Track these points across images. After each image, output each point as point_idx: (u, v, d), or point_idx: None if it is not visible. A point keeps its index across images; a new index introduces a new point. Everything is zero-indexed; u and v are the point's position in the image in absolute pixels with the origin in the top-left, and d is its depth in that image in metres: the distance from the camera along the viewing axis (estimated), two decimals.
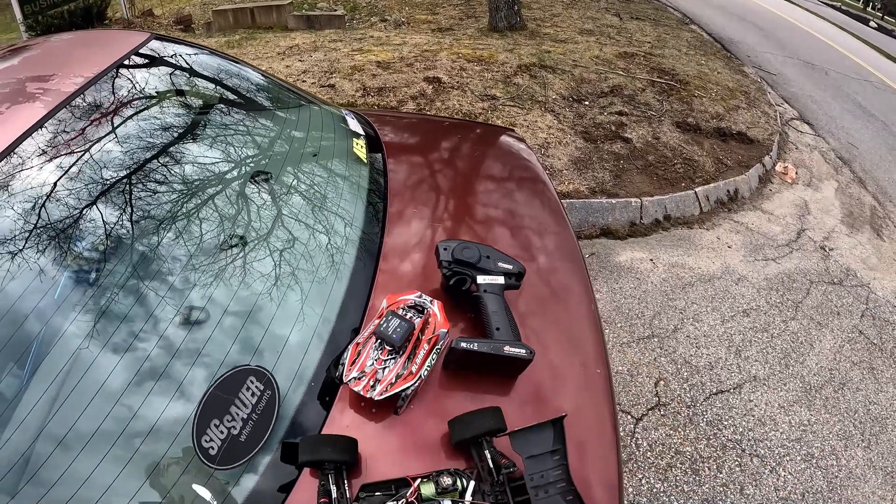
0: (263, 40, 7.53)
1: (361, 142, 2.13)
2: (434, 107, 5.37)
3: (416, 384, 1.27)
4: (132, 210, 1.45)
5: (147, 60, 1.95)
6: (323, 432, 1.23)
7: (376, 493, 1.09)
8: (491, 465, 1.12)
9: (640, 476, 2.67)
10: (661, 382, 3.14)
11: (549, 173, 4.53)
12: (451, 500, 1.06)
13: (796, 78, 7.96)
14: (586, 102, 5.81)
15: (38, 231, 1.32)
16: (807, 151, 6.00)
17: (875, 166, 6.09)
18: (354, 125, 2.26)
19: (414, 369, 1.27)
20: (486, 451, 1.14)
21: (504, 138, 2.66)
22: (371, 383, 1.25)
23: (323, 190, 1.85)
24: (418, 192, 2.03)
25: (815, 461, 2.85)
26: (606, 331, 3.42)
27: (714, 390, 3.14)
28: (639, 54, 7.34)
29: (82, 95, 1.62)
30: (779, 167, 5.50)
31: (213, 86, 2.13)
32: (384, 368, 1.28)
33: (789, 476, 2.76)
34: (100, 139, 1.56)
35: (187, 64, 2.10)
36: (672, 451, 2.79)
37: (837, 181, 5.57)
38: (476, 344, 1.31)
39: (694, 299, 3.78)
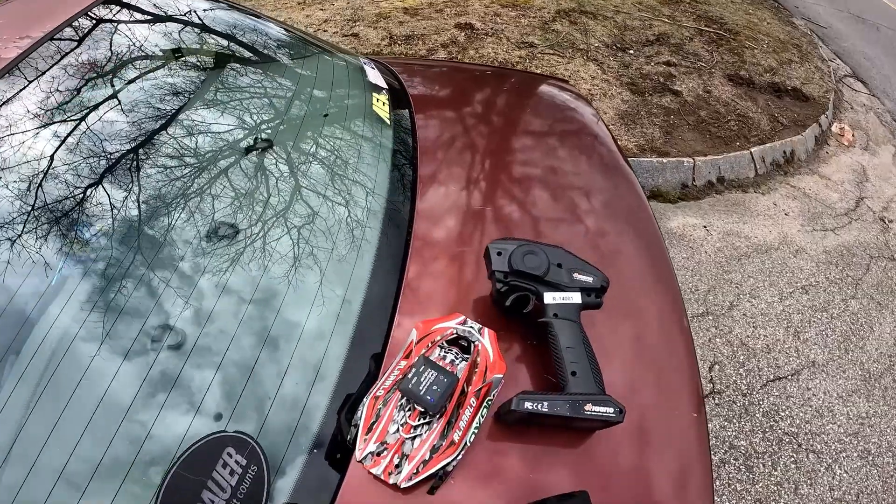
0: None
1: (384, 97, 1.71)
2: (467, 55, 5.01)
3: (459, 456, 0.93)
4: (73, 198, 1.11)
5: (120, 10, 1.59)
6: None
7: None
8: None
9: None
10: (717, 367, 2.91)
11: None
12: None
13: (847, 32, 7.46)
14: (631, 51, 5.41)
15: None
16: (862, 112, 5.60)
17: None
18: (375, 77, 1.85)
19: (457, 437, 0.93)
20: None
21: (557, 92, 2.18)
22: (395, 462, 0.92)
23: (330, 168, 1.43)
24: (457, 166, 1.57)
25: (871, 458, 2.66)
26: None
27: (771, 377, 2.90)
28: (683, 0, 6.86)
29: (29, 58, 1.29)
30: (835, 128, 5.14)
31: (196, 33, 1.73)
32: (414, 438, 0.94)
33: (845, 475, 2.58)
34: (58, 104, 1.25)
35: (163, 11, 1.71)
36: (726, 446, 2.58)
37: (895, 146, 5.21)
38: (546, 403, 0.96)
39: (750, 272, 3.51)
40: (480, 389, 0.98)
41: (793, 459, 2.58)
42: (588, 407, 0.96)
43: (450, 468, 0.92)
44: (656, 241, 1.53)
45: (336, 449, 0.94)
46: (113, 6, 1.56)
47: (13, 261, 0.98)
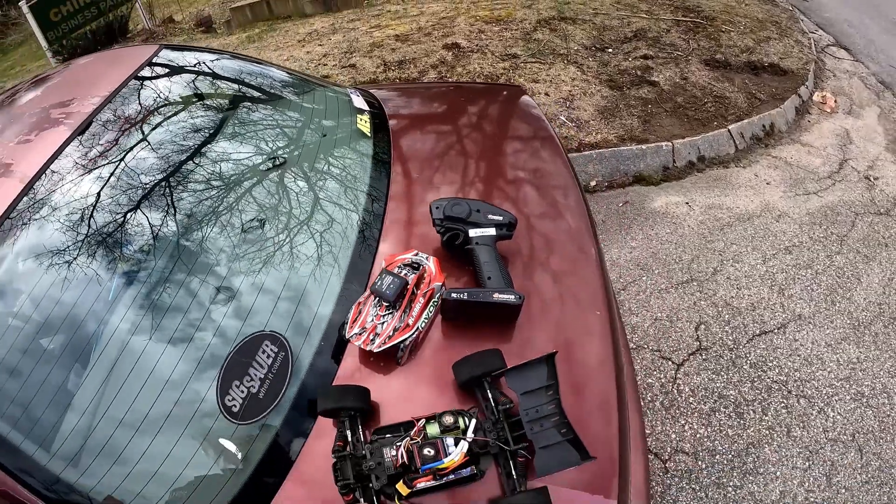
0: (283, 30, 7.49)
1: (365, 117, 2.26)
2: (455, 73, 5.28)
3: (414, 335, 1.36)
4: (149, 204, 1.65)
5: (159, 70, 2.17)
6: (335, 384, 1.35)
7: (387, 436, 1.19)
8: (493, 404, 1.20)
9: (683, 422, 2.63)
10: (702, 326, 3.07)
11: (575, 125, 4.46)
12: (454, 438, 1.14)
13: (830, 2, 7.56)
14: (609, 50, 5.63)
15: (67, 231, 1.54)
16: (845, 78, 5.72)
17: None
18: (359, 102, 2.39)
19: (410, 321, 1.37)
20: (488, 391, 1.22)
21: (505, 94, 2.74)
22: (371, 337, 1.34)
23: (330, 166, 2.00)
24: (420, 158, 2.12)
25: (865, 400, 2.77)
26: (643, 277, 3.38)
27: (757, 331, 3.06)
28: None
29: (101, 113, 1.85)
30: (816, 97, 5.27)
31: (222, 83, 2.33)
32: (383, 323, 1.37)
33: (838, 416, 2.69)
34: (121, 150, 1.77)
35: (196, 67, 2.32)
36: (715, 396, 2.74)
37: (880, 107, 5.30)
38: (466, 294, 1.38)
39: (733, 240, 3.68)
40: (427, 292, 1.42)
41: (783, 405, 2.71)
42: (496, 295, 1.38)
43: (407, 342, 1.35)
44: (573, 191, 1.97)
45: (338, 338, 1.42)
46: (152, 68, 2.14)
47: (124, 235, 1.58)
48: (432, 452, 1.12)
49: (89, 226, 1.54)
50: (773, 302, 3.23)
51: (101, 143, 1.77)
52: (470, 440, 1.14)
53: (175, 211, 1.65)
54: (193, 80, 2.24)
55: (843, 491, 2.41)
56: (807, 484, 2.43)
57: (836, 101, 5.24)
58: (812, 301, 3.25)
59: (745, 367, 2.88)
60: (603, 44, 5.73)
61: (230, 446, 1.24)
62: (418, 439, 1.14)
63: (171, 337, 1.38)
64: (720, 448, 2.54)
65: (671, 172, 4.28)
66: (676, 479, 2.44)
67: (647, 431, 2.59)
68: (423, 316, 1.40)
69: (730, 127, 4.57)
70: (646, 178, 4.21)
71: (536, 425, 1.16)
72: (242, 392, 1.27)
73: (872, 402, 2.76)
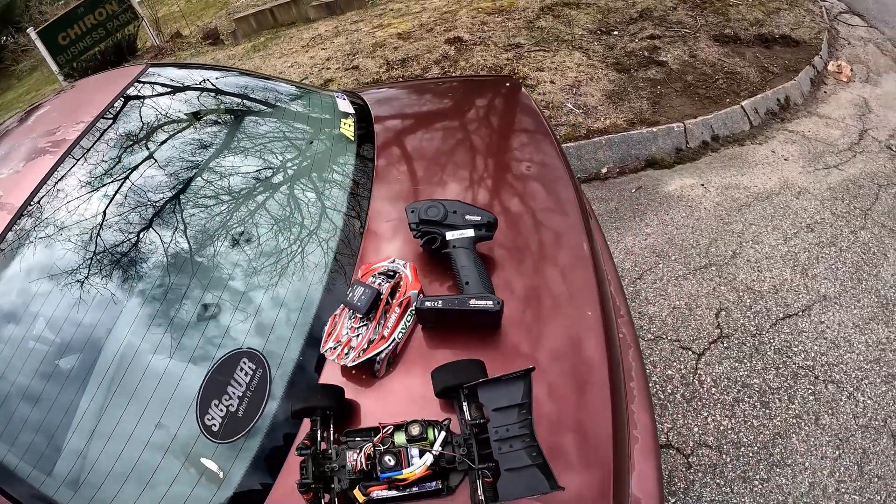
0: (287, 36, 7.51)
1: (350, 121, 2.23)
2: (458, 67, 5.21)
3: (390, 347, 1.32)
4: (126, 224, 1.64)
5: (145, 90, 2.19)
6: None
7: (356, 439, 1.17)
8: (468, 417, 1.14)
9: (706, 414, 2.54)
10: (723, 313, 2.97)
11: (583, 112, 4.37)
12: (420, 449, 1.10)
13: None
14: (615, 32, 5.51)
15: (43, 254, 1.54)
16: (860, 45, 5.54)
17: None
18: (344, 106, 2.35)
19: (386, 333, 1.33)
20: (463, 403, 1.16)
21: (496, 86, 2.68)
22: (345, 351, 1.31)
23: (311, 175, 1.97)
24: (406, 160, 2.07)
25: None
26: (660, 265, 3.28)
27: (780, 315, 2.95)
28: None
29: (86, 137, 1.86)
30: (831, 66, 5.11)
31: (206, 98, 2.33)
32: (357, 336, 1.34)
33: (869, 401, 2.57)
34: (105, 172, 1.78)
35: (182, 84, 2.33)
36: (738, 385, 2.64)
37: None
38: (440, 301, 1.33)
39: (752, 220, 3.56)
40: (402, 301, 1.38)
41: (811, 392, 2.61)
42: (472, 301, 1.33)
43: (383, 355, 1.30)
44: (565, 183, 1.90)
45: (315, 353, 1.38)
46: (138, 88, 2.16)
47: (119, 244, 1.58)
48: (392, 462, 1.08)
49: (67, 248, 1.55)
50: (797, 283, 3.12)
51: (85, 167, 1.77)
52: (436, 454, 1.10)
53: (153, 229, 1.64)
54: (179, 97, 2.23)
55: (876, 480, 2.30)
56: (837, 474, 2.33)
57: (852, 70, 5.08)
58: (837, 280, 3.13)
59: (769, 353, 2.77)
60: (608, 27, 5.62)
61: (212, 466, 1.24)
62: (381, 446, 1.12)
63: (149, 356, 1.37)
64: (745, 440, 2.45)
65: (684, 154, 4.17)
66: (700, 475, 2.35)
67: (668, 426, 2.51)
68: (400, 326, 1.36)
69: (743, 103, 4.43)
70: (658, 162, 4.10)
71: (505, 445, 1.09)
72: (222, 411, 1.27)
73: None
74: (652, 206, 3.74)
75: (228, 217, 1.71)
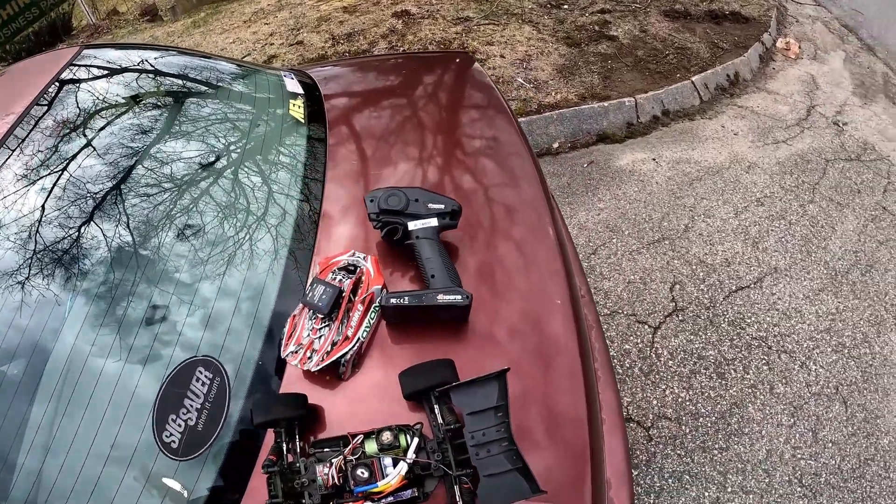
0: (228, 11, 7.20)
1: (299, 101, 2.08)
2: (406, 41, 5.05)
3: (355, 347, 1.23)
4: (57, 220, 1.47)
5: (81, 74, 1.99)
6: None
7: (325, 450, 1.08)
8: (441, 421, 1.07)
9: (664, 387, 2.51)
10: (677, 286, 2.95)
11: (533, 86, 4.28)
12: (393, 458, 1.03)
13: None
14: (565, 6, 5.44)
15: None
16: (808, 23, 5.61)
17: (884, 31, 5.65)
18: (292, 86, 2.20)
19: (350, 333, 1.23)
20: (435, 406, 1.09)
21: (449, 62, 2.55)
22: (308, 355, 1.22)
23: (259, 162, 1.80)
24: (361, 142, 1.93)
25: (846, 351, 2.70)
26: (614, 240, 3.23)
27: (733, 287, 2.94)
28: None
29: (19, 127, 1.69)
30: (780, 43, 5.15)
31: (144, 79, 2.13)
32: (319, 337, 1.24)
33: (821, 370, 2.61)
34: (45, 157, 1.62)
35: (118, 65, 2.13)
36: (694, 357, 2.62)
37: (844, 51, 5.21)
38: (406, 298, 1.24)
39: (703, 194, 3.54)
40: (365, 298, 1.28)
41: (764, 362, 2.61)
42: (440, 296, 1.23)
43: (348, 356, 1.20)
44: (527, 166, 1.80)
45: (276, 357, 1.26)
46: (73, 70, 1.97)
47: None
48: (366, 474, 1.00)
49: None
50: (748, 256, 3.11)
51: (20, 160, 1.61)
52: (410, 461, 1.02)
53: (91, 225, 1.47)
54: (116, 80, 2.06)
55: (830, 445, 2.34)
56: (793, 441, 2.35)
57: (800, 47, 5.13)
58: (787, 253, 3.14)
59: (723, 325, 2.76)
60: (558, 0, 5.53)
61: (175, 486, 1.14)
62: (352, 458, 1.03)
63: (99, 370, 1.24)
64: (703, 411, 2.44)
65: (636, 129, 4.13)
66: (661, 447, 2.33)
67: (628, 400, 2.47)
68: (364, 325, 1.26)
69: (693, 78, 4.43)
70: (610, 137, 4.05)
71: (483, 450, 1.03)
72: (180, 426, 1.16)
73: (854, 352, 2.68)
74: (604, 180, 3.69)
75: (172, 211, 1.55)
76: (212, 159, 1.74)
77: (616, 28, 5.02)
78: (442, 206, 1.43)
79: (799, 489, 2.22)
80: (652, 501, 2.20)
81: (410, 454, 1.03)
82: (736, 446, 2.33)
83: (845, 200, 3.52)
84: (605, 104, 4.10)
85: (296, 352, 1.22)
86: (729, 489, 2.22)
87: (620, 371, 2.57)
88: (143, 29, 7.95)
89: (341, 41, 5.27)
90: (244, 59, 4.32)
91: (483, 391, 1.07)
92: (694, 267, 3.05)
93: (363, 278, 1.32)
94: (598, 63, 4.57)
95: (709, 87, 4.46)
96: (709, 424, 2.40)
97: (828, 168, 3.78)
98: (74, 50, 2.07)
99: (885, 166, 3.84)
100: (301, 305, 1.30)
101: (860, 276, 3.04)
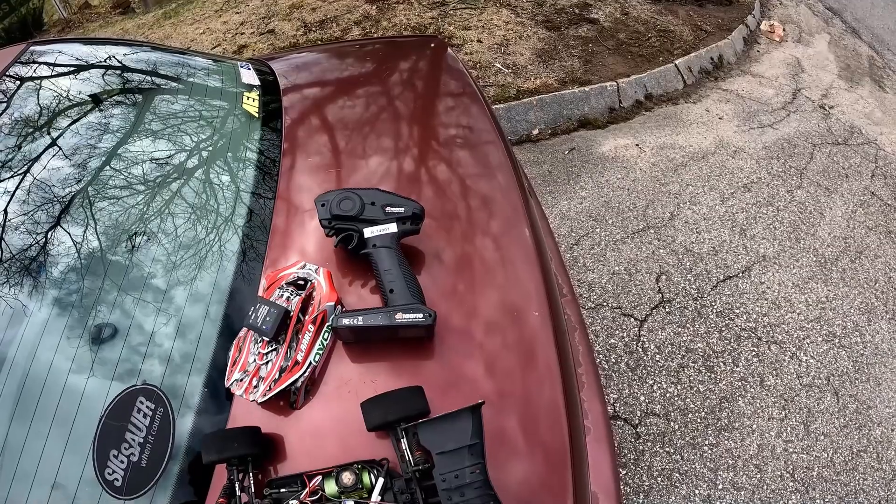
0: (200, 1, 7.00)
1: (254, 94, 1.93)
2: (380, 27, 4.91)
3: (306, 373, 1.11)
4: None
5: (23, 72, 1.85)
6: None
7: (281, 490, 0.97)
8: (409, 458, 0.96)
9: (651, 382, 2.41)
10: (663, 277, 2.85)
11: (512, 72, 4.16)
12: (356, 501, 0.93)
13: None
14: None
15: None
16: (792, 6, 5.54)
17: (867, 13, 5.61)
18: (248, 77, 2.05)
19: (300, 357, 1.12)
20: (402, 441, 0.98)
21: (421, 49, 2.38)
22: (254, 383, 1.11)
23: (204, 163, 1.64)
24: (319, 138, 1.78)
25: (837, 340, 2.63)
26: (597, 229, 3.11)
27: (721, 277, 2.85)
28: None
29: None
30: (764, 26, 5.06)
31: (93, 75, 1.96)
32: (266, 363, 1.13)
33: (811, 360, 2.54)
34: None
35: (68, 59, 2.00)
36: (682, 350, 2.53)
37: (829, 34, 5.15)
38: (360, 318, 1.12)
39: (688, 181, 3.44)
40: (316, 317, 1.15)
41: (754, 353, 2.53)
42: (399, 315, 1.11)
43: (298, 384, 1.09)
44: (504, 166, 1.64)
45: (223, 384, 1.15)
46: (17, 69, 1.85)
47: None
48: None
49: None
50: (736, 244, 3.02)
51: None
52: None
53: (17, 235, 1.35)
54: (63, 77, 1.93)
55: (822, 438, 2.28)
56: (784, 434, 2.28)
57: (784, 30, 5.05)
58: (776, 240, 3.06)
59: (711, 316, 2.67)
60: None
61: None
62: (308, 501, 0.93)
63: (34, 403, 1.14)
64: (692, 406, 2.35)
65: (618, 114, 4.02)
66: (649, 444, 2.23)
67: (615, 396, 2.38)
68: (316, 347, 1.14)
69: (676, 62, 4.32)
70: (591, 122, 3.94)
71: (455, 494, 0.91)
72: (123, 462, 1.07)
73: (845, 341, 2.62)
74: (586, 167, 3.58)
75: (105, 222, 1.41)
76: (151, 161, 1.60)
77: (597, 11, 4.90)
78: (402, 210, 1.30)
79: (791, 484, 2.15)
80: (641, 501, 2.11)
81: (375, 496, 0.94)
82: (726, 442, 2.25)
83: (833, 185, 3.45)
84: (587, 89, 3.99)
85: (241, 380, 1.12)
86: (720, 486, 2.14)
87: (606, 366, 2.47)
88: (115, 22, 7.76)
89: (313, 28, 5.12)
90: (212, 51, 4.18)
91: (455, 428, 0.95)
92: (680, 256, 2.95)
93: (314, 294, 1.21)
94: (578, 47, 4.45)
95: (693, 70, 4.36)
96: (698, 420, 2.31)
97: (815, 153, 3.70)
98: (20, 47, 1.95)
99: (872, 150, 3.77)
100: (245, 329, 1.18)
101: (849, 262, 2.97)
